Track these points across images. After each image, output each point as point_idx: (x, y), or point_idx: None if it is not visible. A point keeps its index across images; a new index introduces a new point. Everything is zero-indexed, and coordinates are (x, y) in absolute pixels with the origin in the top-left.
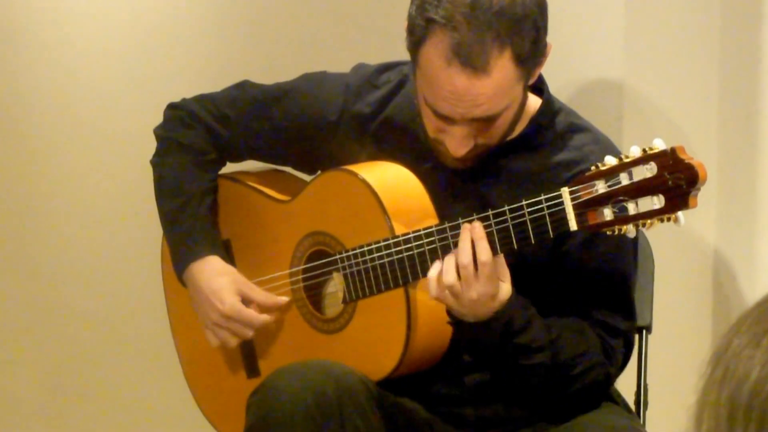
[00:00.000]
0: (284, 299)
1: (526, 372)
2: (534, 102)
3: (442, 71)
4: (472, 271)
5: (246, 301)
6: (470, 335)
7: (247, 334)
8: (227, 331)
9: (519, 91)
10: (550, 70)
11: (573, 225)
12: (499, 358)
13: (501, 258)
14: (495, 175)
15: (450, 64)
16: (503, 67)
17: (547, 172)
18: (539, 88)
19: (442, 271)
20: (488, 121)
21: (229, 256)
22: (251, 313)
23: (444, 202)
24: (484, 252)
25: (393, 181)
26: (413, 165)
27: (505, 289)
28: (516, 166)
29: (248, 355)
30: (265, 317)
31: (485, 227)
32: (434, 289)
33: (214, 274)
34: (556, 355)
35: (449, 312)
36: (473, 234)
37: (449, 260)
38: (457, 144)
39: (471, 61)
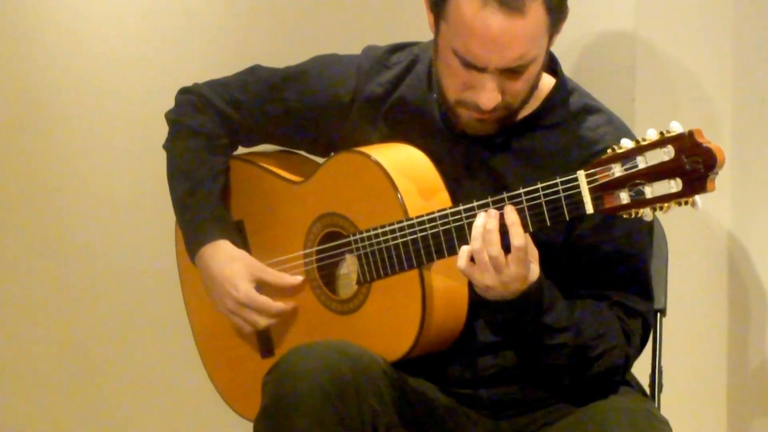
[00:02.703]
0: (298, 278)
1: (548, 352)
2: (548, 82)
3: (478, 13)
4: (503, 259)
5: (260, 286)
6: (495, 314)
7: (262, 322)
8: (241, 318)
9: (545, 46)
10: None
11: (589, 208)
12: (523, 337)
13: (530, 240)
14: (508, 154)
15: (486, 5)
16: (537, 12)
17: (561, 151)
18: (552, 69)
19: (475, 248)
20: (517, 72)
21: (241, 237)
22: (266, 300)
23: (457, 181)
24: (518, 236)
25: (406, 162)
26: (426, 144)
27: (535, 270)
28: (529, 145)
29: (263, 334)
30: (280, 305)
31: (497, 209)
32: (463, 263)
33: (227, 260)
34: (578, 335)
35: (474, 290)
36: (507, 219)
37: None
38: (487, 96)
39: (507, 0)
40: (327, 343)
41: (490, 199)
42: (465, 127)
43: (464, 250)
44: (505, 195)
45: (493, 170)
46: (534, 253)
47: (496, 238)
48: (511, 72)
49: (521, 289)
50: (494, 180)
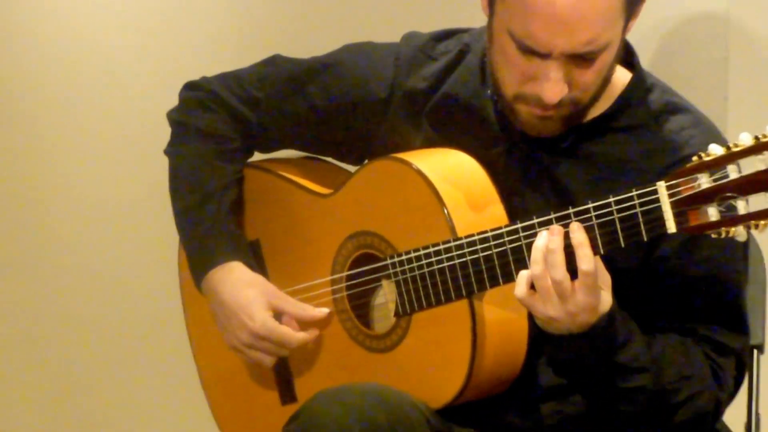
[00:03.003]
0: (323, 311)
1: (623, 397)
2: (622, 76)
3: None
4: (569, 285)
5: (278, 316)
6: (560, 351)
7: (282, 354)
8: (258, 352)
9: (619, 31)
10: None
11: (671, 227)
12: (593, 379)
13: (601, 263)
14: (575, 161)
15: None
16: None
17: (639, 160)
18: (628, 61)
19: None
20: (586, 60)
21: (257, 261)
22: (286, 331)
23: (515, 193)
24: (586, 260)
25: (454, 171)
26: (479, 149)
27: (606, 299)
28: (600, 151)
29: (283, 376)
30: (303, 335)
31: (562, 227)
32: (522, 290)
33: (240, 285)
34: (659, 377)
35: (535, 322)
36: (573, 239)
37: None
38: (551, 87)
39: None
40: (359, 386)
41: (553, 216)
42: (525, 128)
43: (523, 276)
44: (570, 211)
45: (557, 180)
46: (605, 279)
47: (560, 259)
48: (580, 59)
49: (590, 321)
50: (558, 192)
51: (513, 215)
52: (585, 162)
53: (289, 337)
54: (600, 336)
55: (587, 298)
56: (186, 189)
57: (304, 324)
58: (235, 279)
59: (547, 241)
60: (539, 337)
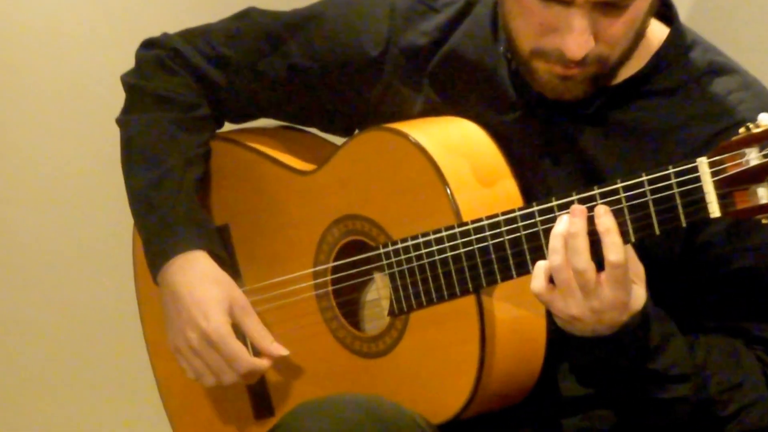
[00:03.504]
0: (282, 352)
1: (660, 410)
2: (658, 32)
3: None
4: (593, 276)
5: (236, 329)
6: (585, 356)
7: (228, 378)
8: (203, 362)
9: None
10: None
11: (714, 210)
12: (624, 389)
13: (632, 252)
14: (603, 130)
15: None
16: None
17: (676, 128)
18: (665, 15)
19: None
20: (616, 8)
21: (227, 249)
22: (240, 350)
23: (531, 168)
24: (615, 249)
25: (459, 145)
26: (489, 117)
27: (639, 294)
28: (632, 119)
29: (256, 385)
30: (258, 363)
31: (587, 209)
32: (540, 284)
33: (202, 279)
34: (703, 387)
35: (554, 322)
36: (599, 225)
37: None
38: (575, 39)
39: None
40: (346, 398)
41: (575, 197)
42: (543, 90)
43: (540, 267)
44: (596, 191)
45: (580, 153)
46: (638, 271)
47: (583, 245)
48: (609, 7)
49: (620, 320)
50: (582, 167)
51: (528, 195)
52: (614, 131)
53: (241, 357)
54: (632, 338)
55: (616, 293)
56: (142, 164)
57: (282, 321)
58: (197, 271)
59: (567, 226)
60: (560, 339)
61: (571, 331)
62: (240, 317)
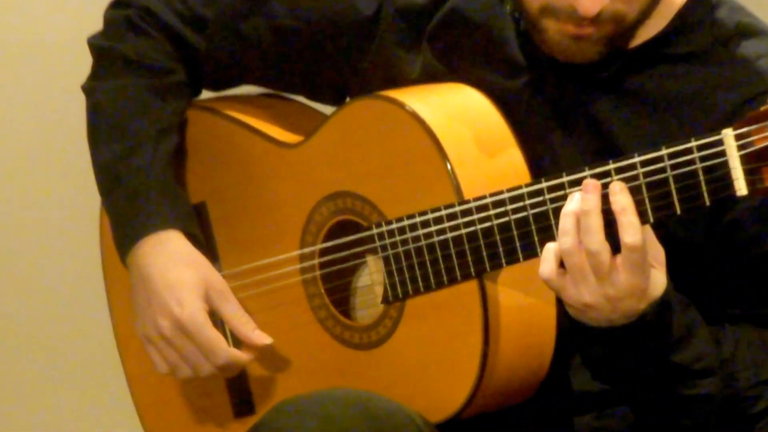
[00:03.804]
0: (265, 340)
1: (682, 408)
2: None
3: None
4: (607, 259)
5: (213, 316)
6: (599, 348)
7: (203, 371)
8: (176, 353)
9: None
10: None
11: (741, 188)
12: (643, 385)
13: (651, 234)
14: (619, 99)
15: None
16: None
17: (699, 96)
18: None
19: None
20: None
21: (203, 228)
22: (217, 339)
23: (541, 140)
24: (631, 230)
25: (460, 114)
26: (495, 82)
27: (659, 280)
28: (651, 86)
29: (236, 380)
30: (237, 355)
31: (602, 186)
32: (549, 269)
33: (176, 261)
34: (730, 382)
35: (566, 311)
36: (615, 203)
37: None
38: None
39: None
40: (336, 394)
41: (588, 172)
42: (554, 52)
43: (550, 250)
44: (611, 166)
45: (594, 122)
46: (657, 254)
47: (597, 224)
48: None
49: (637, 309)
50: (596, 137)
51: (536, 170)
52: (631, 99)
53: (219, 348)
54: (651, 328)
55: (633, 278)
56: (110, 135)
57: (265, 309)
58: (170, 252)
59: (580, 202)
60: (571, 329)
61: (583, 321)
62: (218, 303)
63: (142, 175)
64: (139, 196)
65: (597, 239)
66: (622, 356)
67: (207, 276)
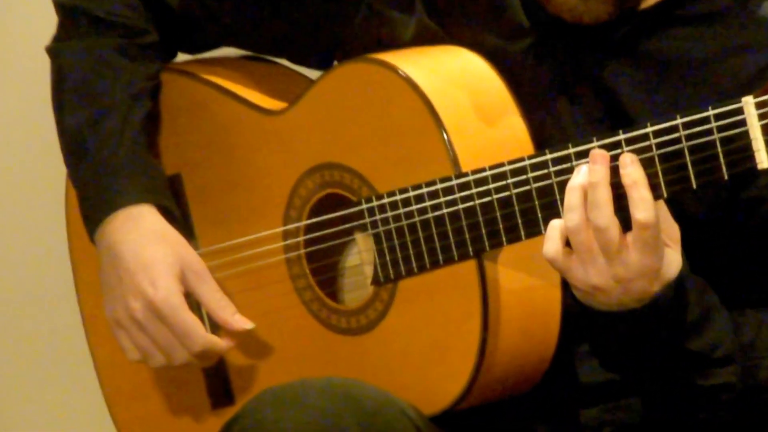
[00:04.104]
0: (246, 325)
1: (700, 399)
2: None
3: None
4: (616, 236)
5: (189, 299)
6: (609, 334)
7: (178, 358)
8: (148, 339)
9: None
10: None
11: (763, 160)
12: (656, 374)
13: (665, 210)
14: (630, 63)
15: None
16: None
17: (718, 62)
18: None
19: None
20: None
21: (178, 203)
22: (194, 324)
23: (546, 107)
24: (643, 206)
25: (458, 79)
26: (495, 44)
27: (673, 260)
28: (665, 49)
29: (214, 370)
30: (215, 340)
31: (612, 158)
32: (554, 248)
33: (150, 238)
34: (753, 371)
35: (572, 294)
36: (625, 176)
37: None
38: None
39: None
40: (321, 383)
41: (596, 143)
42: (560, 11)
43: (555, 227)
44: (621, 136)
45: (603, 88)
46: (672, 232)
47: (604, 197)
48: None
49: (650, 291)
50: (604, 105)
51: (540, 140)
52: (643, 64)
53: (195, 333)
54: (665, 312)
55: (645, 258)
56: (76, 100)
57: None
58: (142, 228)
59: (587, 177)
60: (578, 314)
61: (591, 305)
62: (194, 284)
63: (112, 145)
64: (108, 167)
65: (605, 214)
66: (633, 343)
67: (182, 254)
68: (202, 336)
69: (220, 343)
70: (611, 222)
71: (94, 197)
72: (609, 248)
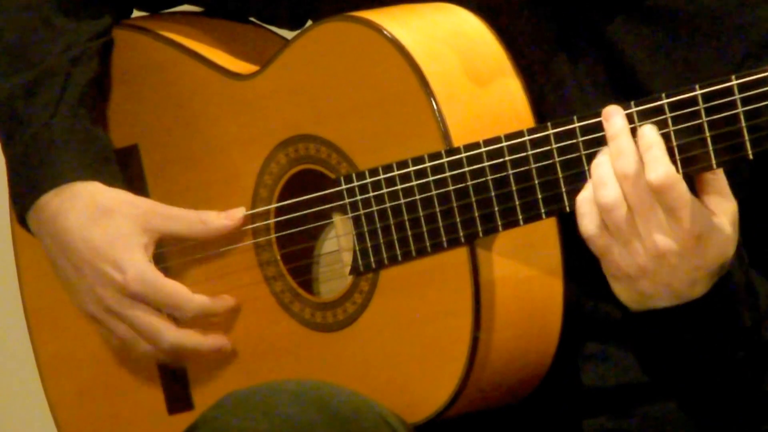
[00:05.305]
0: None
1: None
2: None
3: None
4: (645, 187)
5: (165, 254)
6: (663, 331)
7: (167, 338)
8: (129, 326)
9: None
10: None
11: None
12: (717, 378)
13: (723, 179)
14: (639, 20)
15: None
16: None
17: (733, 13)
18: None
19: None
20: None
21: (134, 177)
22: (177, 288)
23: (545, 68)
24: (657, 164)
25: (448, 40)
26: (490, 1)
27: (724, 231)
28: (677, 4)
29: (171, 370)
30: (206, 304)
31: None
32: (592, 226)
33: (95, 216)
34: None
35: (572, 286)
36: (641, 139)
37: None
38: None
39: None
40: (290, 387)
41: (634, 108)
42: None
43: (589, 201)
44: (633, 109)
45: (606, 45)
46: (726, 207)
47: (628, 147)
48: None
49: (703, 267)
50: (608, 64)
51: (539, 104)
52: (650, 17)
53: (183, 297)
54: (738, 294)
55: (678, 224)
56: (9, 65)
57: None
58: (82, 207)
59: (606, 132)
60: (581, 309)
61: (631, 297)
62: (161, 226)
63: (47, 115)
64: (42, 140)
65: (631, 162)
66: (696, 333)
67: (135, 210)
68: (191, 299)
69: (213, 305)
70: (638, 169)
71: (25, 176)
72: (641, 206)
